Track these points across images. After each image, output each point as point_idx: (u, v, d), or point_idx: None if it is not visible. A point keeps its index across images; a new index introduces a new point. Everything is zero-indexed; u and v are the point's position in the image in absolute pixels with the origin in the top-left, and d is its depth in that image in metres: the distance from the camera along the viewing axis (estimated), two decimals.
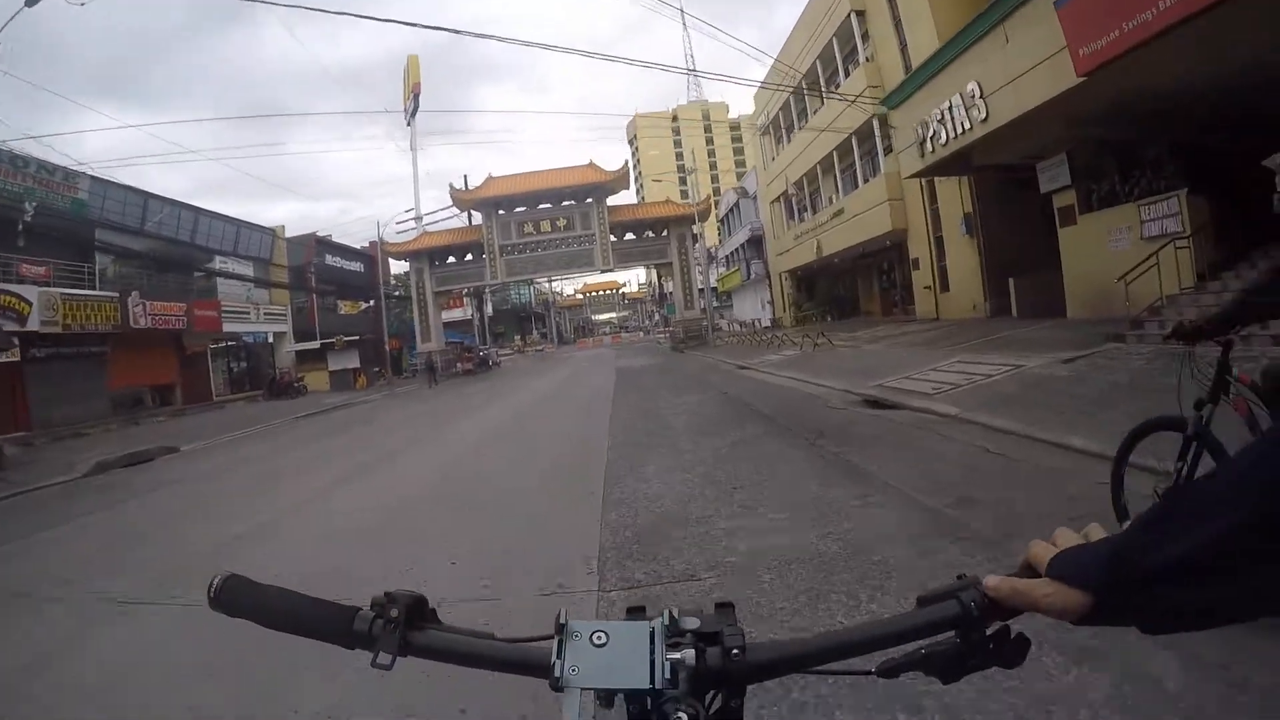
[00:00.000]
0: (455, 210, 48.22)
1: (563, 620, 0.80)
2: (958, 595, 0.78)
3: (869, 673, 0.82)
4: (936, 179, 24.32)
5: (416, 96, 57.26)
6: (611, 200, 47.42)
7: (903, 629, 0.79)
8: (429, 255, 47.52)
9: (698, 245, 48.36)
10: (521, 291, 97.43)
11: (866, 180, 32.03)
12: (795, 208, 40.05)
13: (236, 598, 0.84)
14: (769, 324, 49.60)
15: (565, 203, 46.86)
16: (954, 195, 24.67)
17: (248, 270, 41.17)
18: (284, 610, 0.85)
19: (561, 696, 0.76)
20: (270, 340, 43.14)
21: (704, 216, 47.72)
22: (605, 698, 0.79)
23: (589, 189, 46.13)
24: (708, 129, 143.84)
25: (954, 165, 20.68)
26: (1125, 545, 0.70)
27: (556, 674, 0.77)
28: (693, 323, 45.64)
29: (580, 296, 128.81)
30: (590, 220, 46.26)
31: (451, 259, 47.88)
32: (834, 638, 0.82)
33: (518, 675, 0.83)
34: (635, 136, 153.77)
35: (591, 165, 46.68)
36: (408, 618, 0.83)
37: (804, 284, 46.44)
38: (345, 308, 53.52)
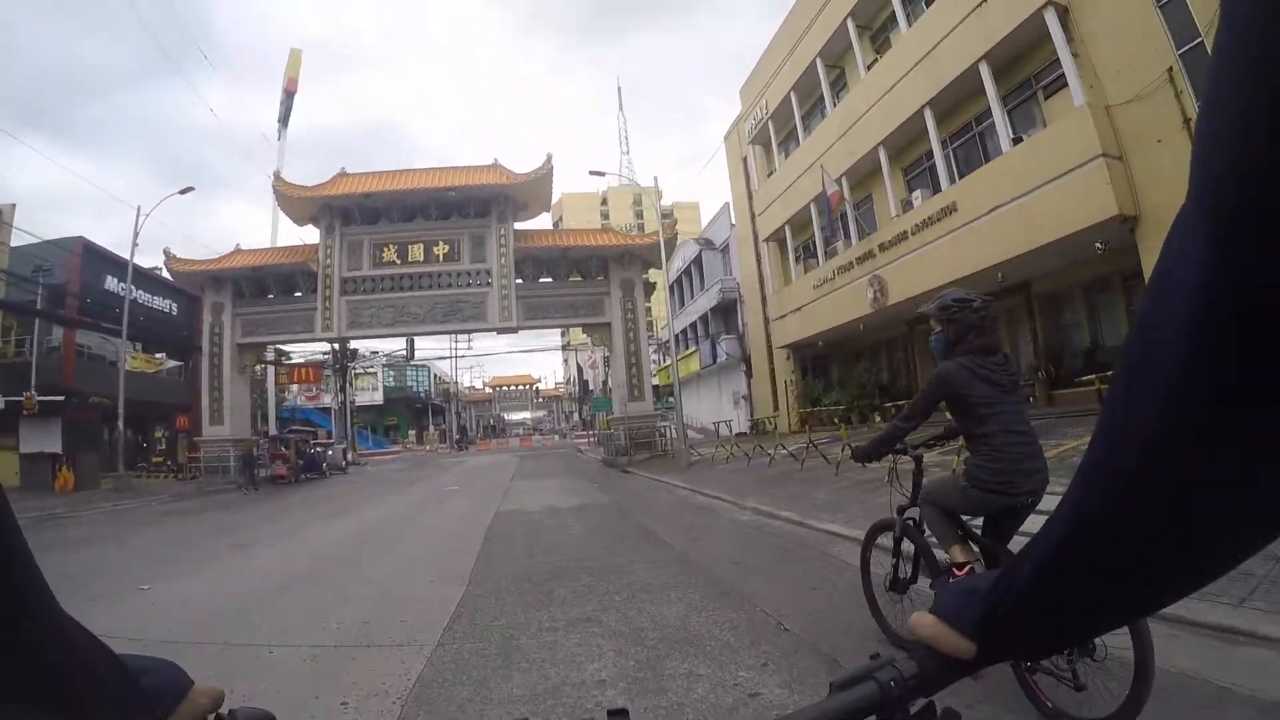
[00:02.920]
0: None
1: None
2: (874, 676, 0.72)
3: None
4: None
5: (291, 96, 51.08)
6: (522, 224, 31.03)
7: (819, 719, 0.70)
8: (233, 283, 30.36)
9: (652, 298, 32.31)
10: (419, 377, 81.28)
11: (1015, 140, 17.89)
12: (832, 226, 24.23)
13: None
14: (747, 428, 33.65)
15: (450, 218, 30.10)
16: None
17: None
18: None
19: None
20: None
21: (656, 260, 31.40)
22: None
23: (487, 199, 30.20)
24: (639, 214, 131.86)
25: None
26: (990, 591, 0.70)
27: None
28: (642, 422, 29.50)
29: (489, 390, 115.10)
30: (487, 248, 30.23)
31: (270, 295, 30.68)
32: None
33: None
34: (561, 218, 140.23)
35: (496, 166, 30.45)
36: None
37: (816, 364, 30.47)
38: (134, 361, 34.61)
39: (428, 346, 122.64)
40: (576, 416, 70.40)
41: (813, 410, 27.72)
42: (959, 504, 3.84)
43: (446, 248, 29.93)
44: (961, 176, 19.58)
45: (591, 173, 28.43)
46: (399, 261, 29.87)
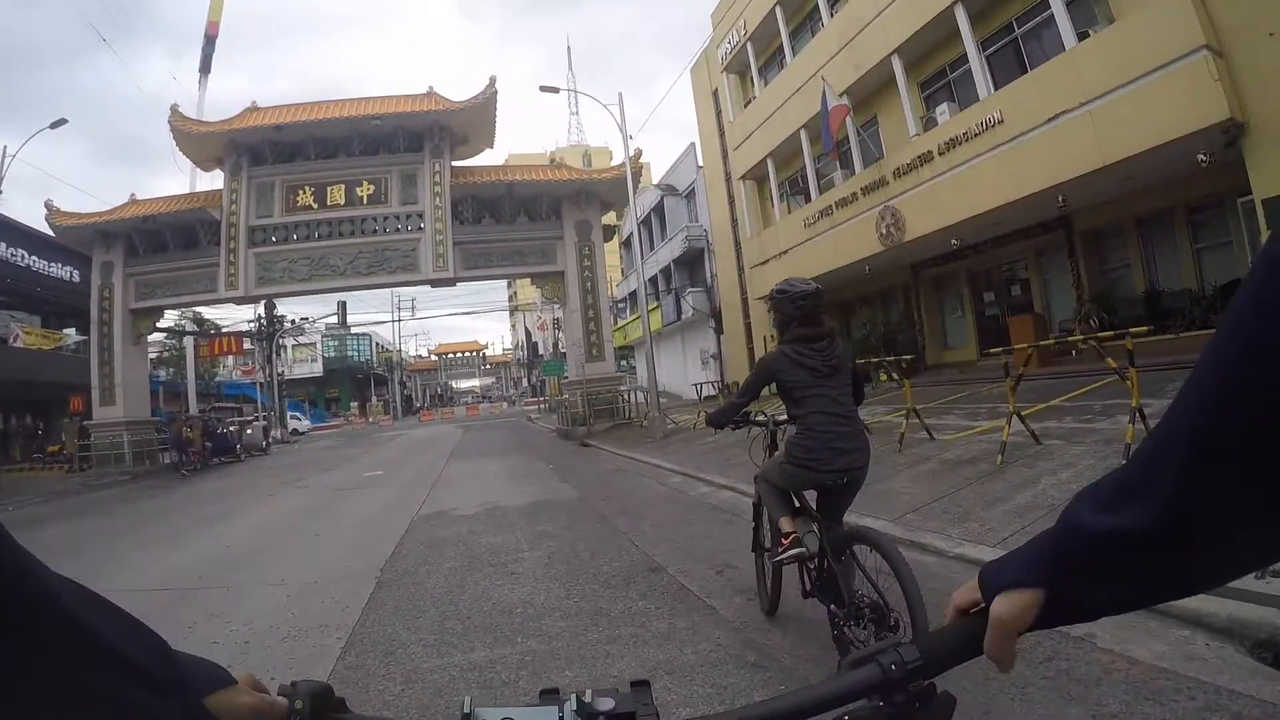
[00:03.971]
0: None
1: (467, 710, 0.78)
2: (877, 658, 0.77)
3: None
4: None
5: (212, 40, 46.16)
6: (461, 162, 26.79)
7: (824, 697, 0.76)
8: (125, 239, 25.64)
9: (611, 244, 28.57)
10: (360, 346, 76.99)
11: (1081, 36, 14.76)
12: (830, 147, 20.53)
13: None
14: (716, 391, 30.27)
15: (378, 154, 25.75)
16: None
17: None
18: None
19: None
20: None
21: (617, 200, 27.42)
22: None
23: (419, 130, 25.98)
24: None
25: None
26: (1068, 522, 0.71)
27: None
28: (602, 385, 25.67)
29: (434, 358, 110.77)
30: (419, 186, 26.03)
31: (168, 249, 25.89)
32: (754, 711, 0.76)
33: None
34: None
35: (430, 94, 26.16)
36: (314, 708, 0.79)
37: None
38: (26, 337, 29.96)
39: (364, 314, 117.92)
40: (526, 383, 66.45)
41: None
42: (779, 479, 4.06)
43: (372, 188, 25.66)
44: (1000, 86, 16.09)
45: (543, 88, 23.87)
46: (316, 206, 25.53)
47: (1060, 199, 14.81)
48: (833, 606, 3.62)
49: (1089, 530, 0.68)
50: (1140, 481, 0.65)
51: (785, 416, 4.37)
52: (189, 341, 41.44)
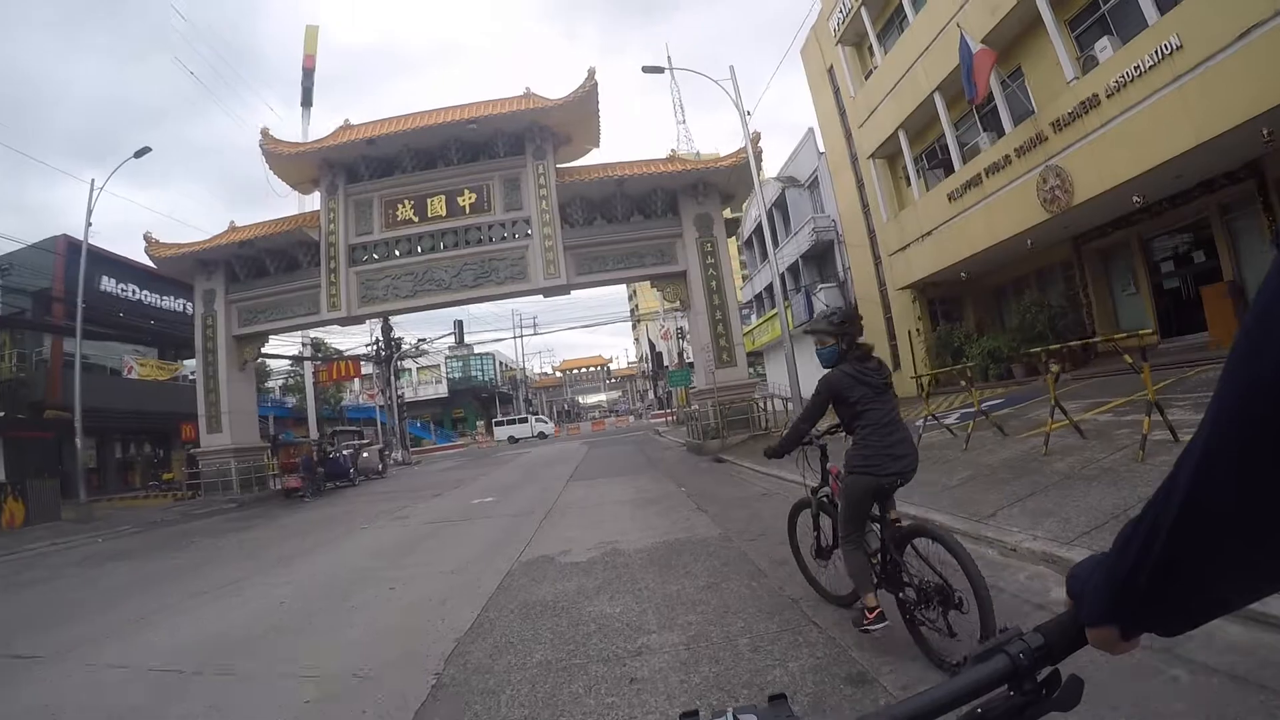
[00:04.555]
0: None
1: None
2: (1004, 649, 0.79)
3: None
4: None
5: (310, 74, 48.66)
6: (566, 163, 25.59)
7: (958, 692, 0.78)
8: (224, 265, 26.13)
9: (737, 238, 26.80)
10: (483, 366, 77.80)
11: None
12: (974, 94, 18.34)
13: None
14: None
15: (477, 161, 25.06)
16: None
17: None
18: None
19: None
20: None
21: (739, 190, 25.61)
22: None
23: (519, 131, 25.23)
24: None
25: None
26: (1112, 569, 0.74)
27: None
28: (735, 393, 23.57)
29: (559, 375, 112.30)
30: (523, 191, 25.20)
31: (268, 274, 26.16)
32: (896, 710, 0.77)
33: None
34: None
35: (527, 94, 25.10)
36: None
37: (947, 307, 24.70)
38: (141, 369, 31.01)
39: (486, 333, 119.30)
40: (651, 394, 65.10)
41: (957, 365, 21.81)
42: (848, 493, 4.38)
43: (473, 196, 24.95)
44: (1168, 7, 13.54)
45: (645, 69, 22.22)
46: (416, 219, 25.08)
47: (1265, 132, 12.13)
48: (900, 594, 4.06)
49: (1125, 571, 0.71)
50: (1158, 513, 0.67)
51: (825, 428, 4.98)
52: (308, 367, 42.08)
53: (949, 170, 21.59)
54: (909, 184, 24.33)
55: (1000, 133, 19.02)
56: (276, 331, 27.05)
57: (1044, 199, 16.87)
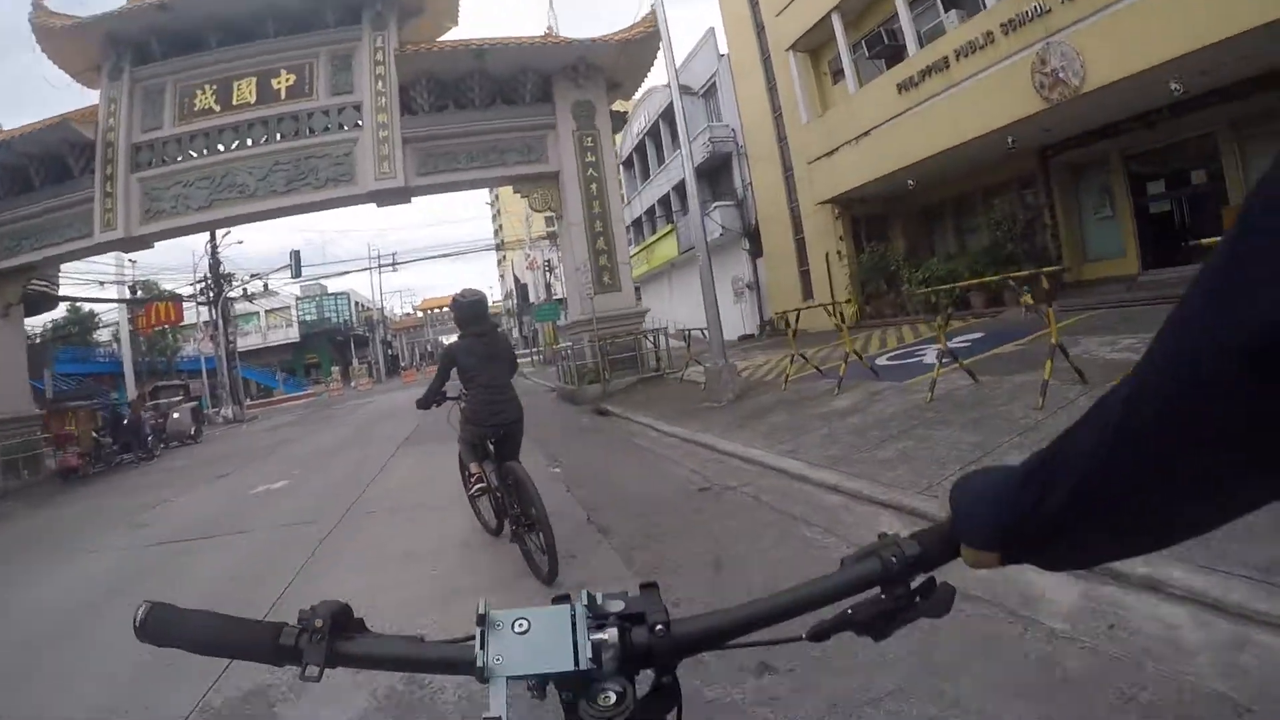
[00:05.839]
0: None
1: (482, 610, 0.80)
2: (878, 553, 0.80)
3: (799, 638, 0.83)
4: None
5: None
6: (415, 43, 20.18)
7: (827, 590, 0.80)
8: None
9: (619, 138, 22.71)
10: (338, 306, 71.43)
11: None
12: None
13: (163, 627, 0.82)
14: (755, 329, 24.61)
15: (304, 33, 19.55)
16: None
17: None
18: (209, 634, 0.84)
19: (488, 687, 0.77)
20: None
21: (628, 77, 21.03)
22: (538, 688, 0.79)
23: None
24: None
25: None
26: (1010, 502, 0.71)
27: (480, 665, 0.77)
28: (620, 325, 19.09)
29: (419, 314, 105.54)
30: (355, 70, 19.40)
31: (32, 189, 19.60)
32: (760, 606, 0.82)
33: (447, 675, 0.85)
34: None
35: None
36: (333, 628, 0.82)
37: (872, 227, 21.43)
38: None
39: (336, 264, 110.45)
40: (516, 333, 59.94)
41: (889, 294, 18.03)
42: (464, 433, 5.94)
43: (292, 78, 19.10)
44: None
45: None
46: (218, 108, 19.00)
47: None
48: (508, 521, 5.44)
49: (1026, 506, 0.67)
50: (1071, 452, 0.64)
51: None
52: (122, 311, 35.41)
53: (898, 58, 17.89)
54: (838, 79, 20.66)
55: (972, 10, 15.59)
56: (43, 263, 20.44)
57: (1040, 85, 13.41)
